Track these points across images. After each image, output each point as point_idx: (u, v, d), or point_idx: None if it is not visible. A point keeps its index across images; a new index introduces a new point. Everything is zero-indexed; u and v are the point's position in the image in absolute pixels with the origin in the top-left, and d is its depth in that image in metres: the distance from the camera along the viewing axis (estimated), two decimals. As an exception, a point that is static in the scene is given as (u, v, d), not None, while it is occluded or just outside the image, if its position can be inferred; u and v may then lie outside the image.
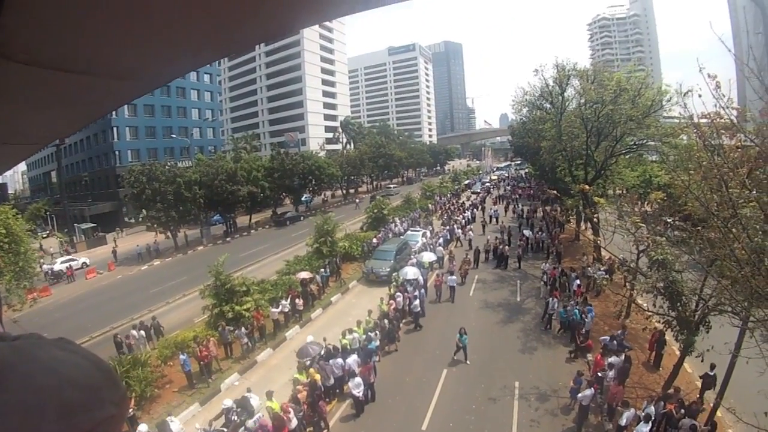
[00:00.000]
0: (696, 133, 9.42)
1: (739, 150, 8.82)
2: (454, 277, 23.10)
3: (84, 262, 37.08)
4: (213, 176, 40.72)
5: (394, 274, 24.54)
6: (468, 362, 16.13)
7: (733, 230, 7.98)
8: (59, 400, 0.56)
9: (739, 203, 8.20)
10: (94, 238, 46.96)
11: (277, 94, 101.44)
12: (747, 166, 8.91)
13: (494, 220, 41.26)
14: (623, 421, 11.15)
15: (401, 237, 32.98)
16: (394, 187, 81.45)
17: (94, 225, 49.84)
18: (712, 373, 12.25)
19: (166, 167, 39.24)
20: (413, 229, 36.55)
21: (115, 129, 57.58)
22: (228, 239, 43.13)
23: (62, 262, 35.10)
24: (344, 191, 69.23)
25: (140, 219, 44.61)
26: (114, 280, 32.34)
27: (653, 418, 10.82)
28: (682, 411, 11.09)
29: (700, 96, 8.31)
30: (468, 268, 25.34)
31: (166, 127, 63.10)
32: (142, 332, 19.02)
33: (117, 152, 58.24)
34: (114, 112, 50.87)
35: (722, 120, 8.49)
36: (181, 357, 15.43)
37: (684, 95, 15.99)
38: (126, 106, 54.01)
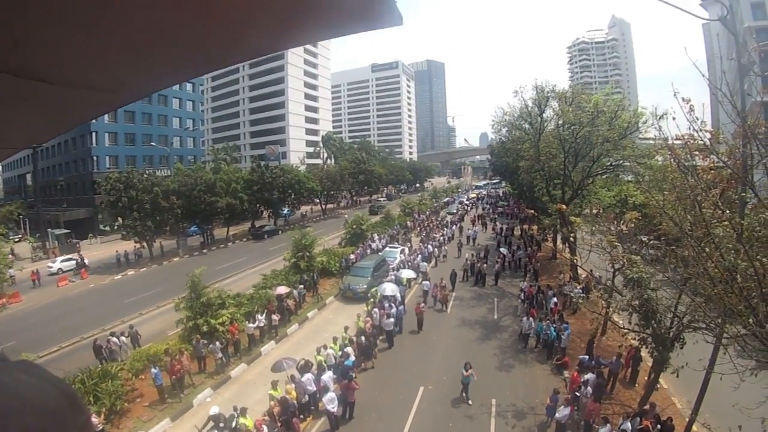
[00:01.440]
0: (670, 154, 9.65)
1: (712, 171, 9.09)
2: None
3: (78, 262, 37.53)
4: (191, 186, 40.11)
5: (372, 290, 24.24)
6: (470, 402, 14.67)
7: (707, 249, 8.14)
8: (22, 425, 0.55)
9: (712, 223, 8.41)
10: (68, 244, 45.48)
11: (259, 107, 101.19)
12: (720, 187, 9.20)
13: (472, 241, 40.33)
14: (600, 438, 11.23)
15: (379, 254, 32.76)
16: (383, 200, 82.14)
17: (68, 231, 48.33)
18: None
19: (144, 175, 38.55)
20: (392, 245, 36.38)
21: (94, 134, 56.30)
22: (205, 251, 42.41)
23: (62, 261, 36.52)
24: (323, 206, 68.93)
25: (116, 227, 43.54)
26: (86, 289, 31.33)
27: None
28: (659, 426, 11.20)
29: (674, 119, 8.57)
30: (447, 294, 24.34)
31: (146, 134, 62.06)
32: (123, 338, 18.65)
33: (95, 158, 56.90)
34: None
35: (696, 142, 8.75)
36: (153, 370, 14.88)
37: (659, 118, 16.60)
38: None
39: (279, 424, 12.32)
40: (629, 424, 11.12)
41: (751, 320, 6.74)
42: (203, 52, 1.29)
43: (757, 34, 44.51)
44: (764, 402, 6.46)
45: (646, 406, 12.38)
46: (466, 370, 14.66)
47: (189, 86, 71.72)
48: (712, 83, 6.88)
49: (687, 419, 11.60)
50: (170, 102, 67.40)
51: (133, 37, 1.09)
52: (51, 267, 36.19)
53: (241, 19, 1.07)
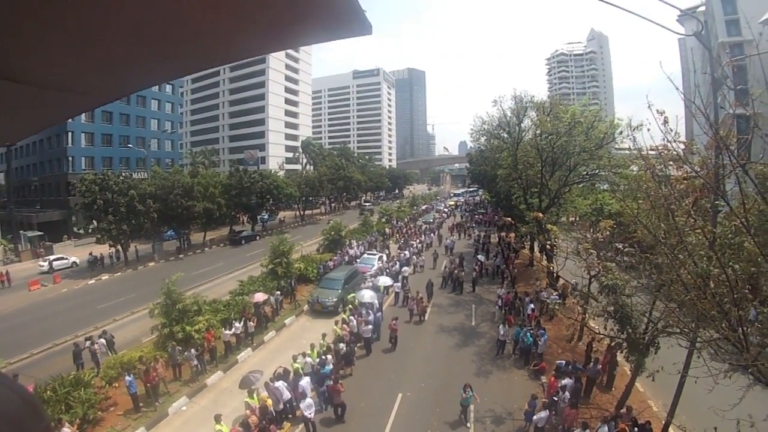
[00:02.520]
0: (645, 164, 9.91)
1: (686, 181, 9.38)
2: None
3: (74, 262, 37.99)
4: (168, 190, 39.30)
5: (350, 297, 24.07)
6: (468, 425, 14.00)
7: (680, 256, 8.36)
8: None
9: (685, 231, 8.65)
10: (41, 247, 44.05)
11: (239, 110, 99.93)
12: (692, 196, 9.50)
13: (449, 251, 39.25)
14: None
15: (353, 264, 32.08)
16: (369, 205, 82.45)
17: (41, 234, 46.72)
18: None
19: (120, 177, 37.69)
20: (369, 252, 36.22)
21: (70, 134, 54.65)
22: (181, 256, 41.54)
23: (54, 260, 36.89)
24: (301, 212, 68.46)
25: (90, 230, 42.36)
26: (59, 294, 30.28)
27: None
28: (636, 429, 11.42)
29: (648, 130, 8.83)
30: (425, 306, 23.94)
31: (124, 135, 60.69)
32: (102, 341, 18.23)
33: (70, 158, 55.22)
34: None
35: (670, 153, 9.02)
36: (127, 378, 14.41)
37: (634, 129, 17.12)
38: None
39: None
40: (606, 428, 11.31)
41: (723, 325, 6.95)
42: (174, 57, 1.29)
43: (730, 49, 46.57)
44: (738, 404, 6.65)
45: (623, 410, 12.62)
46: (465, 392, 13.85)
47: (168, 88, 70.48)
48: (687, 96, 7.11)
49: (663, 422, 11.85)
50: (149, 103, 66.05)
51: (106, 38, 1.08)
52: (42, 266, 35.97)
53: (211, 26, 1.09)
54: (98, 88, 1.53)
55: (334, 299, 24.14)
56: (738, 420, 6.41)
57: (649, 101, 8.15)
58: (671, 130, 8.11)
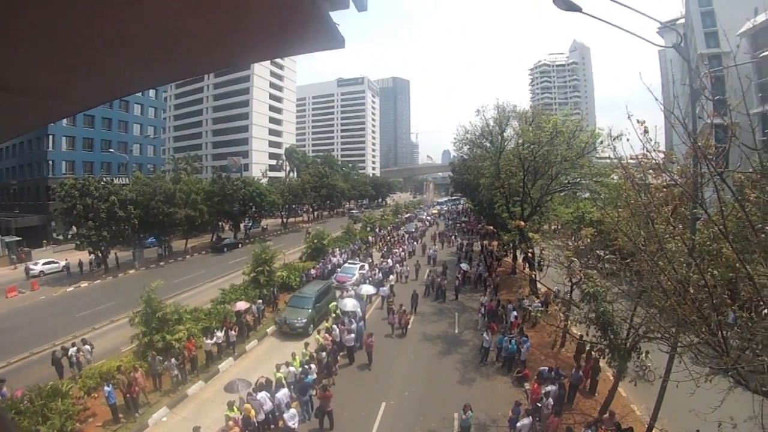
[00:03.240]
0: (625, 173, 10.10)
1: (665, 189, 9.59)
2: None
3: (65, 266, 37.14)
4: (150, 196, 38.59)
5: (332, 305, 23.79)
6: None
7: (660, 263, 8.51)
8: None
9: (665, 238, 8.83)
10: (19, 252, 42.73)
11: (222, 117, 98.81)
12: (672, 204, 9.70)
13: (432, 261, 38.46)
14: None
15: (330, 278, 30.78)
16: (356, 212, 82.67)
17: (20, 239, 45.27)
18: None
19: (101, 183, 36.75)
20: (351, 261, 35.74)
21: (50, 137, 53.39)
22: (162, 263, 40.72)
23: (44, 264, 36.59)
24: (284, 220, 67.98)
25: (70, 236, 41.33)
26: (37, 301, 29.37)
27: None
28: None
29: (628, 140, 9.02)
30: (408, 318, 23.12)
31: (105, 140, 59.56)
32: (87, 347, 17.96)
33: (51, 162, 53.92)
34: (53, 121, 47.72)
35: (649, 162, 9.22)
36: (106, 389, 13.98)
37: (614, 139, 17.45)
38: (63, 116, 50.60)
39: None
40: (590, 434, 11.43)
41: (703, 329, 7.10)
42: (152, 67, 1.30)
43: (709, 60, 48.11)
44: (719, 406, 6.77)
45: (606, 415, 12.74)
46: (465, 413, 13.29)
47: (152, 93, 69.35)
48: (666, 107, 7.29)
49: (646, 426, 12.01)
50: (132, 107, 64.97)
51: (86, 46, 1.08)
52: (33, 269, 35.31)
53: (188, 37, 1.09)
54: (78, 94, 1.51)
55: (304, 320, 22.00)
56: (719, 422, 6.53)
57: (629, 111, 8.34)
58: (651, 140, 8.30)
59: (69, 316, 24.88)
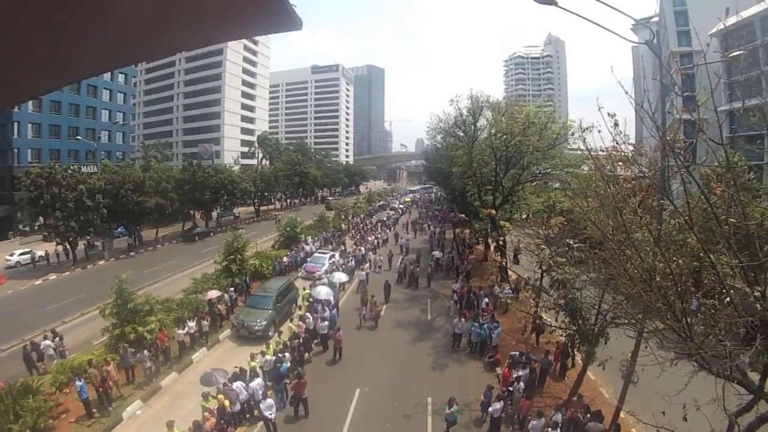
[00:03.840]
0: (595, 164, 10.34)
1: (633, 181, 9.90)
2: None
3: (41, 255, 35.93)
4: (119, 185, 37.27)
5: (305, 293, 23.54)
6: None
7: (627, 252, 8.77)
8: None
9: (632, 228, 9.11)
10: None
11: (194, 103, 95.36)
12: (640, 195, 10.04)
13: (404, 250, 37.57)
14: (532, 429, 11.91)
15: (290, 275, 28.98)
16: (333, 200, 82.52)
17: None
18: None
19: (69, 171, 35.23)
20: (321, 251, 34.74)
21: (15, 124, 50.81)
22: (132, 254, 39.59)
23: (20, 254, 35.69)
24: (256, 208, 67.05)
25: (37, 227, 39.65)
26: (4, 295, 28.09)
27: (560, 424, 11.60)
28: (588, 416, 12.01)
29: (600, 132, 9.22)
30: (380, 310, 22.34)
31: (73, 127, 56.99)
32: (58, 340, 17.57)
33: (16, 150, 51.40)
34: (16, 106, 45.36)
35: (619, 154, 9.47)
36: (78, 384, 13.56)
37: (584, 130, 17.86)
38: (30, 101, 48.37)
39: (213, 435, 11.80)
40: (559, 415, 11.83)
41: (668, 316, 7.40)
42: (105, 50, 1.31)
43: (681, 58, 49.69)
44: (684, 389, 7.10)
45: (574, 398, 13.21)
46: (451, 406, 12.90)
47: (121, 78, 66.69)
48: (637, 101, 7.47)
49: (614, 408, 12.51)
50: (100, 93, 62.23)
51: (34, 31, 1.09)
52: (9, 260, 34.27)
53: (139, 19, 1.08)
54: (36, 79, 1.47)
55: (263, 322, 19.69)
56: (684, 404, 6.84)
57: (600, 104, 8.51)
58: (621, 133, 8.51)
59: (38, 310, 23.96)
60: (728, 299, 6.74)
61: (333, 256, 32.61)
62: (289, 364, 15.68)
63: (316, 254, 33.15)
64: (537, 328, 18.52)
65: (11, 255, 35.51)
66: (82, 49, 1.23)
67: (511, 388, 14.15)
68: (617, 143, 8.87)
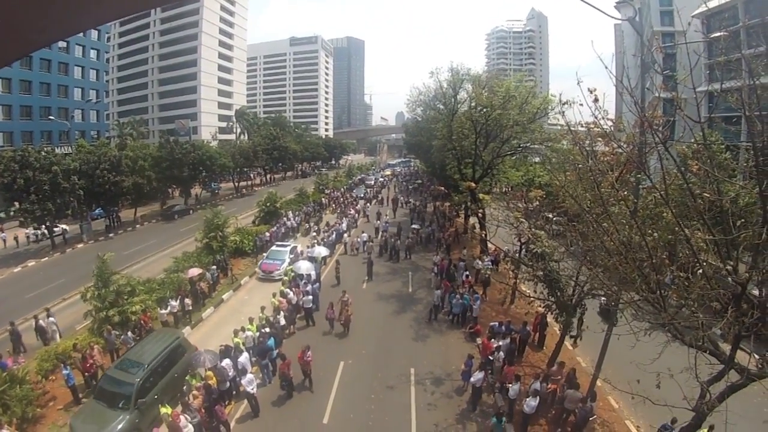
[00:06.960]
0: (574, 139, 10.44)
1: (612, 156, 10.05)
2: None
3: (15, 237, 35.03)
4: (95, 165, 35.92)
5: (288, 268, 23.69)
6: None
7: (604, 225, 8.99)
8: None
9: (609, 201, 9.31)
10: None
11: (169, 78, 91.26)
12: (617, 170, 10.20)
13: (383, 233, 32.82)
14: (511, 395, 12.45)
15: (178, 334, 19.57)
16: (324, 171, 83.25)
17: None
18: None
19: (42, 153, 33.70)
20: (279, 243, 29.41)
21: None
22: (111, 235, 38.56)
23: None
24: (236, 183, 66.07)
25: (12, 212, 38.28)
26: None
27: (539, 392, 12.05)
28: (565, 385, 12.52)
29: (581, 105, 9.27)
30: (350, 314, 18.46)
31: (45, 107, 54.26)
32: (52, 319, 17.47)
33: None
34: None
35: (598, 129, 9.56)
36: (64, 372, 13.41)
37: (563, 105, 17.92)
38: (-1, 81, 45.82)
39: (201, 412, 11.89)
40: (539, 384, 12.28)
41: (643, 287, 7.68)
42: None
43: (663, 37, 49.93)
44: (657, 358, 7.43)
45: (554, 367, 13.68)
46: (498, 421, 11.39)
47: (93, 53, 63.44)
48: (617, 76, 7.51)
49: (591, 376, 13.03)
50: (72, 70, 59.16)
51: None
52: None
53: None
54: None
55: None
56: (658, 373, 7.15)
57: (580, 79, 8.53)
58: (600, 108, 8.58)
59: (18, 298, 23.21)
60: (701, 272, 6.99)
61: (295, 248, 28.38)
62: (274, 339, 15.78)
63: (274, 248, 28.27)
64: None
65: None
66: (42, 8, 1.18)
67: (491, 357, 14.56)
68: (597, 118, 8.96)
